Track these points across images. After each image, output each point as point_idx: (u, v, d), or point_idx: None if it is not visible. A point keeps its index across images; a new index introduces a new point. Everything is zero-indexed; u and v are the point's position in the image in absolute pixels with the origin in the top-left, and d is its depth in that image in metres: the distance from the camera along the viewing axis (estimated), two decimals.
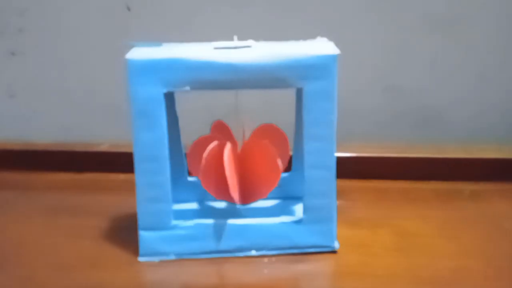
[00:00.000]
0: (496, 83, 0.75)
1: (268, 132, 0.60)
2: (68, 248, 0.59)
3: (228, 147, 0.55)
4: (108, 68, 0.77)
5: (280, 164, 0.56)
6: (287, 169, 0.63)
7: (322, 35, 0.58)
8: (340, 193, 0.57)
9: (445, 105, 0.77)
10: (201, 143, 0.58)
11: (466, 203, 0.68)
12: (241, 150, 0.58)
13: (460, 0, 0.72)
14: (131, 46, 0.55)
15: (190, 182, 0.65)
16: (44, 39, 0.79)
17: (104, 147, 0.78)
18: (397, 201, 0.68)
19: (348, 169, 0.65)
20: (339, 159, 0.55)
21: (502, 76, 0.75)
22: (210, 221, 0.56)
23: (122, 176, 0.74)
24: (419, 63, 0.75)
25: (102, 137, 0.80)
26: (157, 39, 0.57)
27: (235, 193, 0.56)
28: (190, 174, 0.64)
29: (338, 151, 0.55)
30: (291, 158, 0.63)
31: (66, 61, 0.79)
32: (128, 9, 0.76)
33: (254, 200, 0.58)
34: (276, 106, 0.72)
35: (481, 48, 0.74)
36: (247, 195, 0.58)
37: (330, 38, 0.57)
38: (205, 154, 0.55)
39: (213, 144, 0.56)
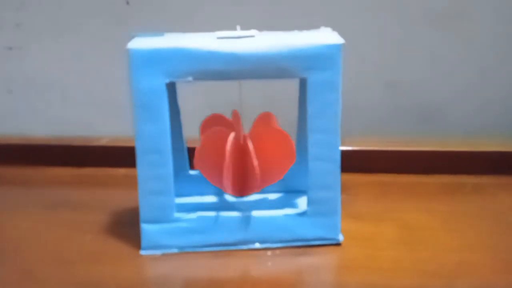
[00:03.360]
0: (498, 77, 0.75)
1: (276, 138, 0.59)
2: (69, 243, 0.58)
3: (231, 137, 0.55)
4: (107, 62, 0.77)
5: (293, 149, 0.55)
6: None
7: (325, 27, 0.58)
8: (343, 187, 0.56)
9: (446, 99, 0.77)
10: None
11: (469, 197, 0.68)
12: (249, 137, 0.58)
13: None
14: (133, 37, 0.54)
15: (192, 175, 0.64)
16: (42, 34, 0.78)
17: (103, 142, 0.78)
18: (400, 195, 0.68)
19: (350, 163, 0.64)
20: (341, 153, 0.55)
21: (503, 70, 0.75)
22: (213, 214, 0.56)
23: (122, 171, 0.74)
24: (421, 57, 0.75)
25: (101, 131, 0.79)
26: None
27: (228, 184, 0.56)
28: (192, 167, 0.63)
29: (341, 145, 0.55)
30: None
31: (64, 55, 0.79)
32: (127, 2, 0.76)
33: (253, 191, 0.58)
34: (278, 99, 0.72)
35: (482, 42, 0.74)
36: (246, 187, 0.58)
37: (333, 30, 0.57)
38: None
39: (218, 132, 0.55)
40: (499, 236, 0.59)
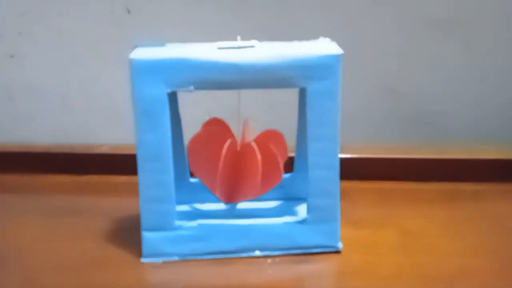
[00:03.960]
0: (498, 85, 0.76)
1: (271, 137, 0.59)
2: (70, 250, 0.58)
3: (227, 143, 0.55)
4: (108, 71, 0.77)
5: (281, 166, 0.56)
6: (289, 170, 0.62)
7: (324, 37, 0.58)
8: (343, 194, 0.57)
9: (446, 106, 0.77)
10: (201, 139, 0.58)
11: (468, 203, 0.68)
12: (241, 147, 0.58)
13: (462, 2, 0.73)
14: (135, 46, 0.55)
15: (193, 183, 0.64)
16: (43, 42, 0.78)
17: (104, 149, 0.78)
18: (400, 202, 0.68)
19: (350, 170, 0.65)
20: (341, 161, 0.55)
21: (503, 78, 0.75)
22: (213, 221, 0.56)
23: (123, 178, 0.74)
24: (421, 64, 0.75)
25: (102, 139, 0.79)
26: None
27: (220, 190, 0.56)
28: (192, 175, 0.64)
29: (341, 152, 0.55)
30: (291, 160, 0.63)
31: (66, 63, 0.79)
32: (128, 11, 0.76)
33: (244, 199, 0.58)
34: (277, 107, 0.72)
35: (483, 50, 0.75)
36: (236, 194, 0.58)
37: (332, 41, 0.57)
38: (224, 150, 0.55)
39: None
40: (498, 241, 0.59)
